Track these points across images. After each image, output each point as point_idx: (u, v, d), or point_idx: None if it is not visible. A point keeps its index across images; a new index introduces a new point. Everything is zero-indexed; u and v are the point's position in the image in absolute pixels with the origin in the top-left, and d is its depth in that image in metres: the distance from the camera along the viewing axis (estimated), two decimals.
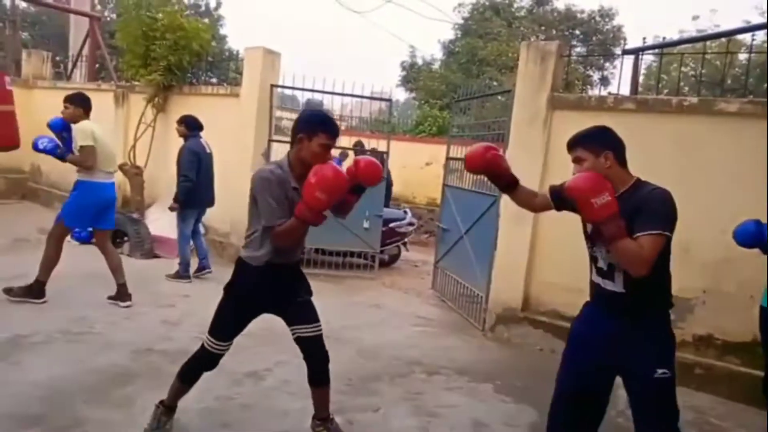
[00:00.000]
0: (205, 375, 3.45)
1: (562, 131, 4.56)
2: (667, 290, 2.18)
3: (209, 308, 4.76)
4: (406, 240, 7.70)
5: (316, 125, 2.47)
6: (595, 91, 19.78)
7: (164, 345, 3.89)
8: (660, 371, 2.05)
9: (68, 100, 4.56)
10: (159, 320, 4.40)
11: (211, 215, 6.96)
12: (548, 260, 4.67)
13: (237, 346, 3.94)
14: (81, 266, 5.74)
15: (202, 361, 2.74)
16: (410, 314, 5.40)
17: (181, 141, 5.85)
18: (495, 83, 17.02)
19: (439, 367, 4.02)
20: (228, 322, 2.69)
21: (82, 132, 4.35)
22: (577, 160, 2.27)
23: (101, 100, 8.34)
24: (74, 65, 10.52)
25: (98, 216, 4.57)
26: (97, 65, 10.74)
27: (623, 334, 2.14)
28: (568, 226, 4.50)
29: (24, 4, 19.75)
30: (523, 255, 4.70)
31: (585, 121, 4.44)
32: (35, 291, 4.43)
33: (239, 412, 3.05)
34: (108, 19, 18.18)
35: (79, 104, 4.51)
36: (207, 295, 5.19)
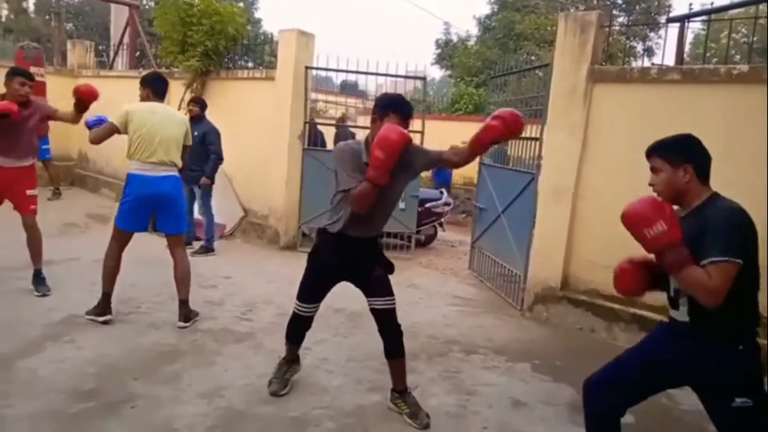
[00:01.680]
0: (247, 353, 3.58)
1: (603, 105, 4.44)
2: (743, 319, 1.97)
3: (250, 289, 4.93)
4: (442, 220, 7.67)
5: (387, 107, 2.69)
6: (639, 63, 19.01)
7: (208, 324, 4.02)
8: (739, 400, 1.89)
9: (140, 81, 4.06)
10: (202, 300, 4.53)
11: (251, 198, 7.10)
12: (587, 238, 4.57)
13: (276, 325, 4.06)
14: (128, 249, 5.97)
15: (296, 323, 3.04)
16: (447, 294, 5.40)
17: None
18: (533, 58, 16.58)
19: (476, 347, 4.02)
20: (310, 287, 2.97)
21: (119, 110, 3.82)
22: (654, 170, 2.14)
23: None
24: (116, 54, 10.78)
25: (145, 214, 3.88)
26: (137, 53, 10.99)
27: (693, 361, 2.00)
28: (607, 203, 4.41)
29: None
30: (562, 233, 4.61)
31: (627, 95, 4.35)
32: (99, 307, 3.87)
33: None
34: (147, 7, 18.53)
35: (146, 84, 3.97)
36: (247, 277, 5.35)
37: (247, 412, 2.85)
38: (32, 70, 6.58)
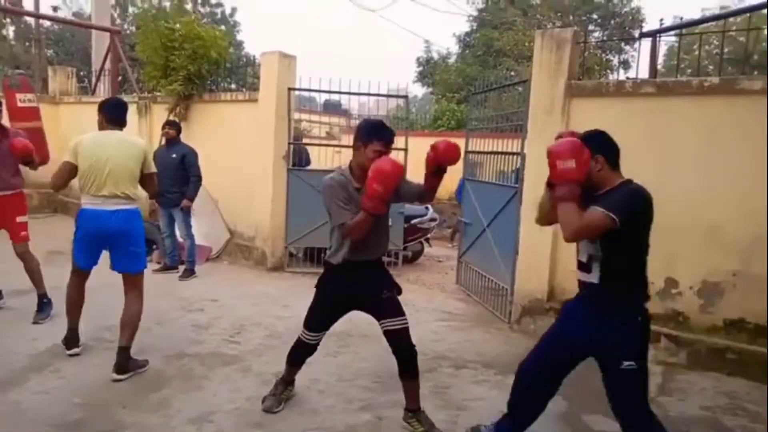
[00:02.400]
0: (236, 376, 3.56)
1: (581, 119, 4.53)
2: (640, 285, 2.35)
3: (237, 311, 4.90)
4: (428, 236, 7.71)
5: (369, 135, 2.78)
6: (615, 76, 19.41)
7: (195, 348, 3.99)
8: (626, 363, 2.25)
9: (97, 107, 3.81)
10: (189, 324, 4.50)
11: (237, 220, 7.09)
12: (571, 248, 4.60)
13: (265, 346, 4.05)
14: (112, 275, 5.91)
15: (302, 350, 3.10)
16: (435, 309, 5.42)
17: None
18: (512, 74, 16.86)
19: (466, 361, 4.03)
20: (320, 316, 3.03)
21: (68, 144, 3.57)
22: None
23: None
24: (98, 79, 10.77)
25: (97, 251, 3.62)
26: (119, 78, 10.98)
27: (597, 322, 2.36)
28: None
29: (47, 23, 20.31)
30: (546, 245, 4.66)
31: (604, 108, 4.45)
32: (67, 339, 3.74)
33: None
34: (128, 32, 18.55)
35: (100, 111, 3.69)
36: (234, 299, 5.32)
37: None
38: (19, 97, 6.54)
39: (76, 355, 3.67)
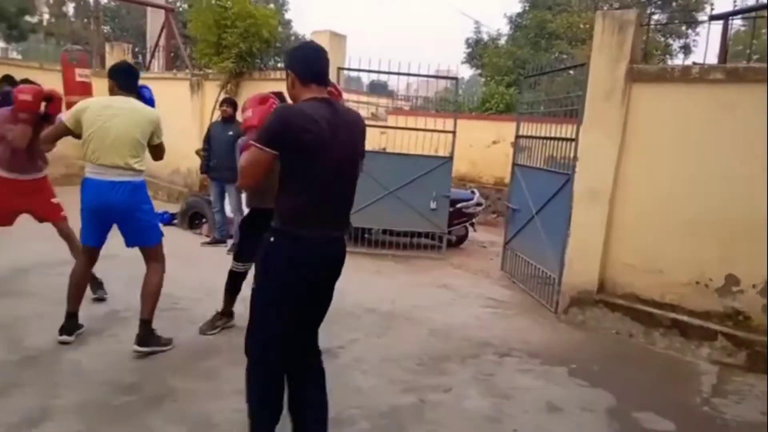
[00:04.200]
0: None
1: (642, 105, 4.35)
2: (283, 213, 2.16)
3: None
4: (474, 220, 7.62)
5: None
6: (675, 61, 18.51)
7: (243, 321, 4.05)
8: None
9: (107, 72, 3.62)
10: (239, 298, 4.59)
11: None
12: (625, 241, 4.48)
13: None
14: (165, 247, 6.09)
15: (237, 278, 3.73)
16: (480, 295, 5.36)
17: None
18: (565, 57, 16.33)
19: (510, 349, 3.98)
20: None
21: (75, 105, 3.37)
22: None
23: (177, 89, 8.76)
24: (152, 56, 11.05)
25: (101, 227, 3.40)
26: (172, 55, 11.23)
27: None
28: (646, 205, 4.32)
29: (105, 0, 20.88)
30: (599, 235, 4.52)
31: (667, 95, 4.25)
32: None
33: None
34: (182, 9, 18.90)
35: (110, 76, 3.48)
36: None
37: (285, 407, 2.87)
38: (78, 71, 6.72)
39: (67, 343, 3.38)
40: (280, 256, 2.14)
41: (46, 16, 25.46)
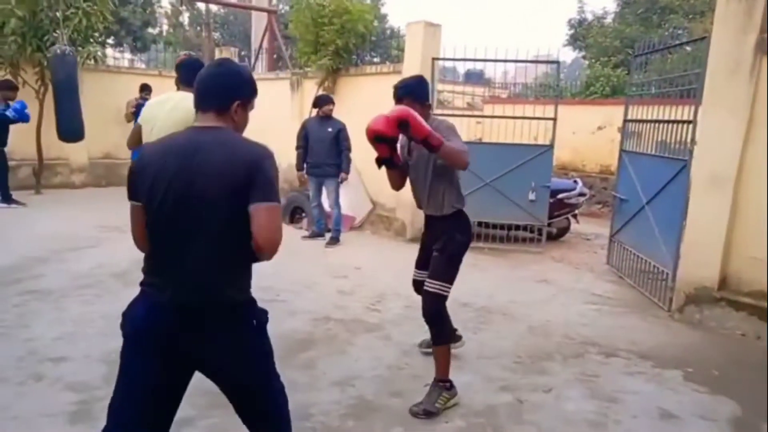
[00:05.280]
0: (377, 344, 3.65)
1: None
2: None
3: (379, 280, 5.03)
4: (576, 212, 7.23)
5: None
6: None
7: (340, 314, 4.17)
8: None
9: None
10: (335, 290, 4.71)
11: (379, 191, 7.26)
12: (752, 231, 4.01)
13: (404, 317, 4.10)
14: None
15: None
16: (583, 291, 5.07)
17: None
18: (681, 32, 14.99)
19: (617, 349, 3.72)
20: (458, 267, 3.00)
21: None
22: None
23: (279, 88, 9.14)
24: (256, 58, 11.61)
25: None
26: (275, 56, 11.74)
27: None
28: None
29: (215, 8, 22.31)
30: (721, 226, 4.09)
31: None
32: None
33: (409, 382, 3.14)
34: (284, 11, 19.72)
35: (176, 70, 3.44)
36: (376, 268, 5.47)
37: (376, 402, 2.90)
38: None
39: None
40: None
41: (165, 27, 27.73)
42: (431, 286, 2.86)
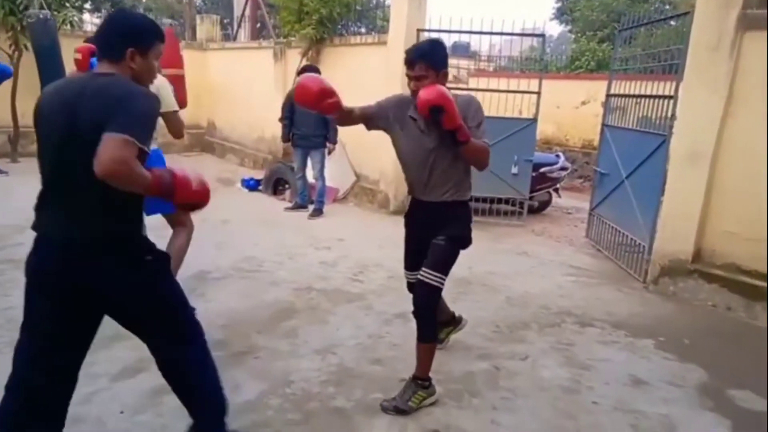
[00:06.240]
0: (358, 314, 3.70)
1: (755, 56, 3.90)
2: None
3: (361, 251, 5.07)
4: (558, 186, 7.30)
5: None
6: None
7: (322, 284, 4.20)
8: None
9: None
10: (317, 261, 4.74)
11: (363, 163, 7.25)
12: (727, 206, 4.09)
13: (386, 287, 4.15)
14: (250, 211, 6.39)
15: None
16: (562, 263, 5.16)
17: None
18: (667, 7, 14.97)
19: (592, 319, 3.82)
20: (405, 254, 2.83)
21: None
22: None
23: (262, 57, 9.00)
24: (239, 26, 11.38)
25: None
26: (258, 24, 11.51)
27: None
28: (752, 166, 3.91)
29: None
30: (697, 201, 4.17)
31: None
32: None
33: (389, 350, 3.20)
34: None
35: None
36: (359, 240, 5.50)
37: (357, 370, 2.96)
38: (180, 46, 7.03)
39: None
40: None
41: None
42: (430, 277, 2.51)
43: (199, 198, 1.74)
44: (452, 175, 2.56)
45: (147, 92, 1.73)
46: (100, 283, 1.73)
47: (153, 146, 3.07)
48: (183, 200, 1.71)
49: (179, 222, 3.52)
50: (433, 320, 2.62)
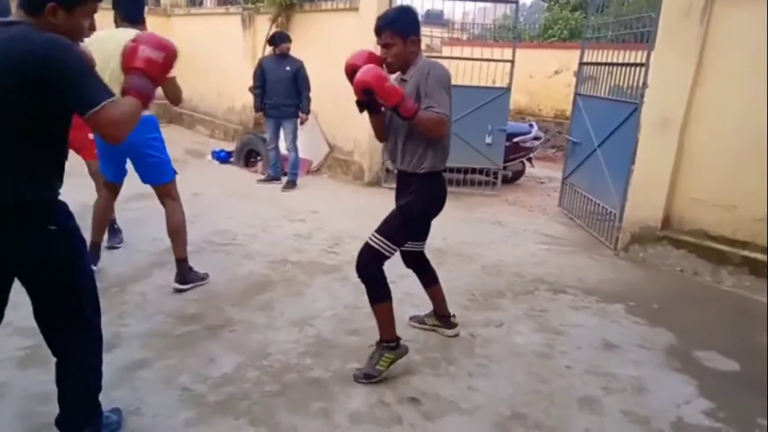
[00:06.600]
0: (334, 285, 3.69)
1: (724, 23, 3.93)
2: None
3: (336, 223, 5.03)
4: (531, 155, 7.34)
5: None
6: None
7: (297, 256, 4.17)
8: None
9: None
10: (292, 233, 4.69)
11: (336, 134, 7.15)
12: (695, 173, 4.17)
13: None
14: (222, 184, 6.27)
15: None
16: (535, 232, 5.23)
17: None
18: None
19: (565, 286, 3.89)
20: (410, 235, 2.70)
21: None
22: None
23: (230, 24, 8.71)
24: None
25: (116, 162, 3.49)
26: None
27: None
28: (720, 133, 3.99)
29: None
30: (666, 168, 4.24)
31: (756, 11, 3.78)
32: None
33: (366, 320, 3.18)
34: None
35: (114, 6, 3.25)
36: (333, 211, 5.46)
37: (334, 341, 2.96)
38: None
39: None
40: None
41: None
42: (371, 237, 2.54)
43: (167, 58, 1.81)
44: (412, 147, 2.53)
45: (66, 44, 1.58)
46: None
47: (147, 112, 3.00)
48: (163, 75, 1.80)
49: (168, 194, 3.42)
50: (376, 281, 2.57)
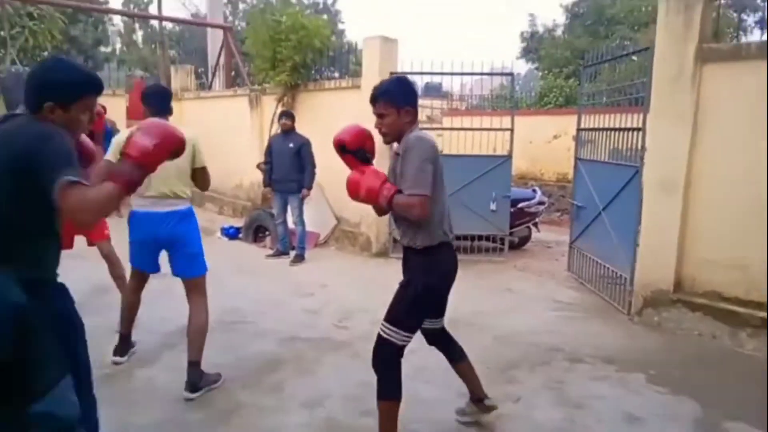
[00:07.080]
0: (345, 362, 3.61)
1: (714, 87, 4.05)
2: None
3: (345, 296, 5.00)
4: (536, 220, 7.38)
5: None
6: (751, 37, 17.22)
7: (307, 333, 4.11)
8: None
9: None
10: (301, 309, 4.66)
11: (343, 206, 7.24)
12: (703, 233, 4.17)
13: (373, 332, 4.04)
14: (231, 260, 6.29)
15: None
16: (546, 298, 5.16)
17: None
18: (627, 42, 15.61)
19: (582, 355, 3.79)
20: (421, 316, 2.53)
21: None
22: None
23: (237, 105, 9.05)
24: (213, 75, 11.47)
25: (151, 256, 3.34)
26: (233, 73, 11.62)
27: None
28: (723, 192, 4.01)
29: (170, 25, 21.98)
30: (673, 229, 4.24)
31: (744, 74, 3.92)
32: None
33: None
34: (239, 28, 19.58)
35: (142, 100, 3.30)
36: (342, 284, 5.43)
37: (346, 422, 2.87)
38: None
39: (119, 364, 3.42)
40: None
41: (118, 45, 27.12)
42: (383, 328, 2.42)
43: (158, 146, 1.70)
44: (405, 223, 2.47)
45: (51, 132, 1.67)
46: None
47: (185, 204, 3.25)
48: (154, 163, 1.71)
49: (197, 289, 3.31)
50: (387, 375, 2.42)
